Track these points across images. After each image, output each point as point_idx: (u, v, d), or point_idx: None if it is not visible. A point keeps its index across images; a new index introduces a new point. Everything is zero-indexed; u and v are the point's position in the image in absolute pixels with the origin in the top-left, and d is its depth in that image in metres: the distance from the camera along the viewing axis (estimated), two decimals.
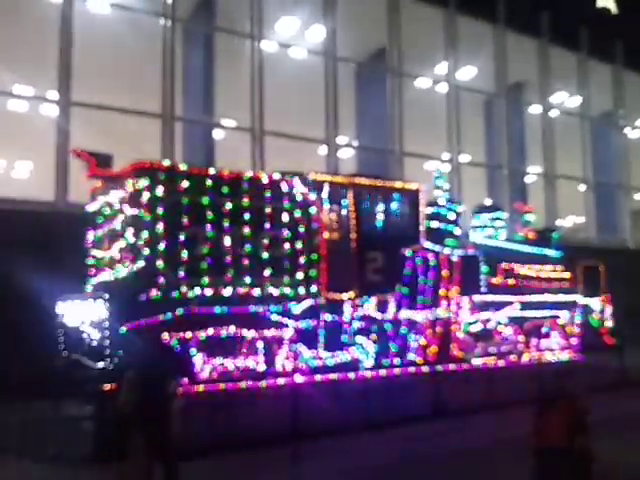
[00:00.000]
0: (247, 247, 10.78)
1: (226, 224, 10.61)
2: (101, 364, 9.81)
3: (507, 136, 25.92)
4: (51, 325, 11.23)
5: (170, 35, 18.12)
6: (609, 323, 16.49)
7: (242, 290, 10.65)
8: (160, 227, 10.02)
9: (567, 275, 16.06)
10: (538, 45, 27.31)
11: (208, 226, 10.44)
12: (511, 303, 14.52)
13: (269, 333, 11.05)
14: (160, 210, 10.06)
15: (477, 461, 8.91)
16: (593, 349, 15.89)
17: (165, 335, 9.93)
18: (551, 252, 16.39)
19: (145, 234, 9.98)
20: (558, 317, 15.66)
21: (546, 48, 27.36)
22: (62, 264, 12.50)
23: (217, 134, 19.48)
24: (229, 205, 10.67)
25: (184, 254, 10.16)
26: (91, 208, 11.63)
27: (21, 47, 15.69)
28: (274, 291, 11.01)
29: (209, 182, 10.63)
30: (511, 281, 14.66)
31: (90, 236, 11.69)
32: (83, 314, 10.49)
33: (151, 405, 6.74)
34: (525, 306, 14.74)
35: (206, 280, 10.33)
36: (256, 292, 10.79)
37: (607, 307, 16.52)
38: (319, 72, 21.19)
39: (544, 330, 15.38)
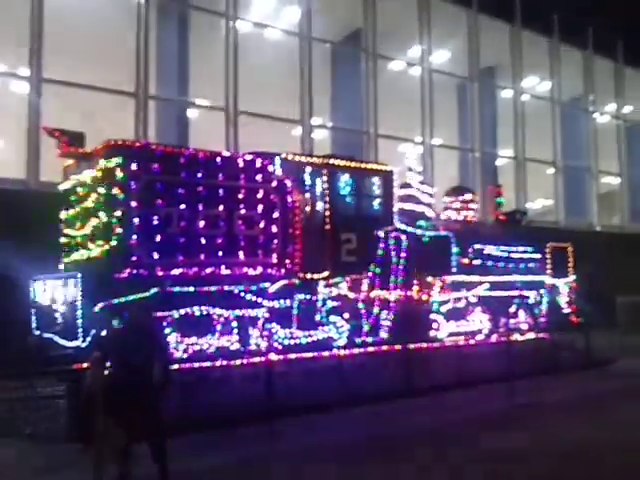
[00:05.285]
0: (221, 227, 10.82)
1: (200, 203, 10.63)
2: (74, 343, 9.81)
3: (479, 119, 26.14)
4: (24, 304, 11.16)
5: (144, 13, 17.86)
6: (575, 304, 16.88)
7: (216, 270, 10.71)
8: (133, 206, 10.01)
9: (536, 256, 16.36)
10: (510, 30, 27.50)
11: (182, 205, 10.44)
12: (481, 283, 14.80)
13: (243, 313, 11.13)
14: (133, 189, 10.03)
15: (444, 437, 9.16)
16: (559, 329, 16.28)
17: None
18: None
19: (118, 213, 9.96)
20: (526, 297, 16.01)
21: (518, 33, 27.57)
22: (34, 243, 12.38)
23: (191, 113, 19.34)
24: (203, 185, 10.68)
25: (158, 233, 10.17)
26: (63, 187, 11.54)
27: None
28: (248, 271, 11.09)
29: (183, 161, 10.63)
30: (481, 262, 14.91)
31: (62, 215, 11.60)
32: (56, 293, 10.47)
33: (134, 387, 6.61)
34: (494, 286, 15.03)
35: (180, 259, 10.37)
36: (230, 272, 10.86)
37: (574, 288, 16.91)
38: (294, 52, 21.10)
39: (512, 310, 15.72)
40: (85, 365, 8.23)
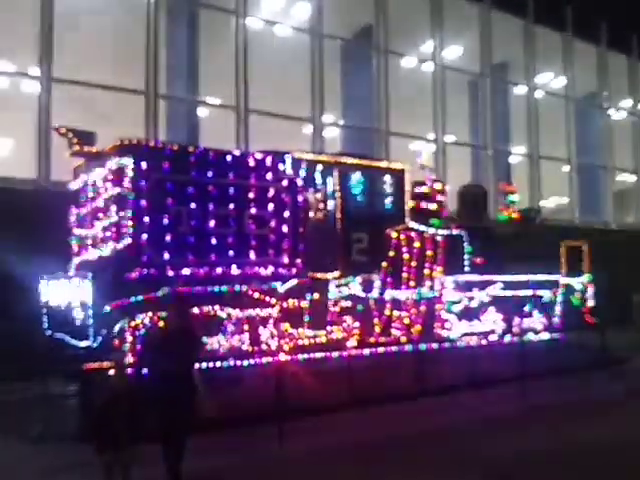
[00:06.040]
0: (232, 226, 10.75)
1: (210, 203, 10.57)
2: (85, 343, 9.78)
3: (492, 116, 25.94)
4: (35, 304, 11.16)
5: (154, 11, 17.83)
6: (590, 302, 16.67)
7: (227, 269, 10.63)
8: (143, 205, 9.96)
9: (550, 254, 16.17)
10: (523, 25, 27.25)
11: (192, 204, 10.39)
12: (494, 282, 14.63)
13: (254, 312, 11.05)
14: (143, 188, 9.99)
15: (454, 437, 9.05)
16: (574, 328, 16.08)
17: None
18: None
19: (128, 212, 9.91)
20: (540, 296, 15.82)
21: (531, 28, 27.32)
22: (45, 243, 12.37)
23: (201, 112, 19.29)
24: (213, 184, 10.61)
25: (168, 233, 10.11)
26: (74, 186, 11.52)
27: (1, 21, 15.36)
28: (259, 270, 11.01)
29: (193, 160, 10.57)
30: (494, 261, 14.72)
31: (73, 214, 11.59)
32: (67, 293, 10.45)
33: (173, 391, 6.54)
34: (508, 285, 14.86)
35: (190, 259, 10.30)
36: (241, 271, 10.78)
37: (589, 286, 16.70)
38: (305, 50, 21.02)
39: (526, 309, 15.54)
40: (103, 365, 8.20)
